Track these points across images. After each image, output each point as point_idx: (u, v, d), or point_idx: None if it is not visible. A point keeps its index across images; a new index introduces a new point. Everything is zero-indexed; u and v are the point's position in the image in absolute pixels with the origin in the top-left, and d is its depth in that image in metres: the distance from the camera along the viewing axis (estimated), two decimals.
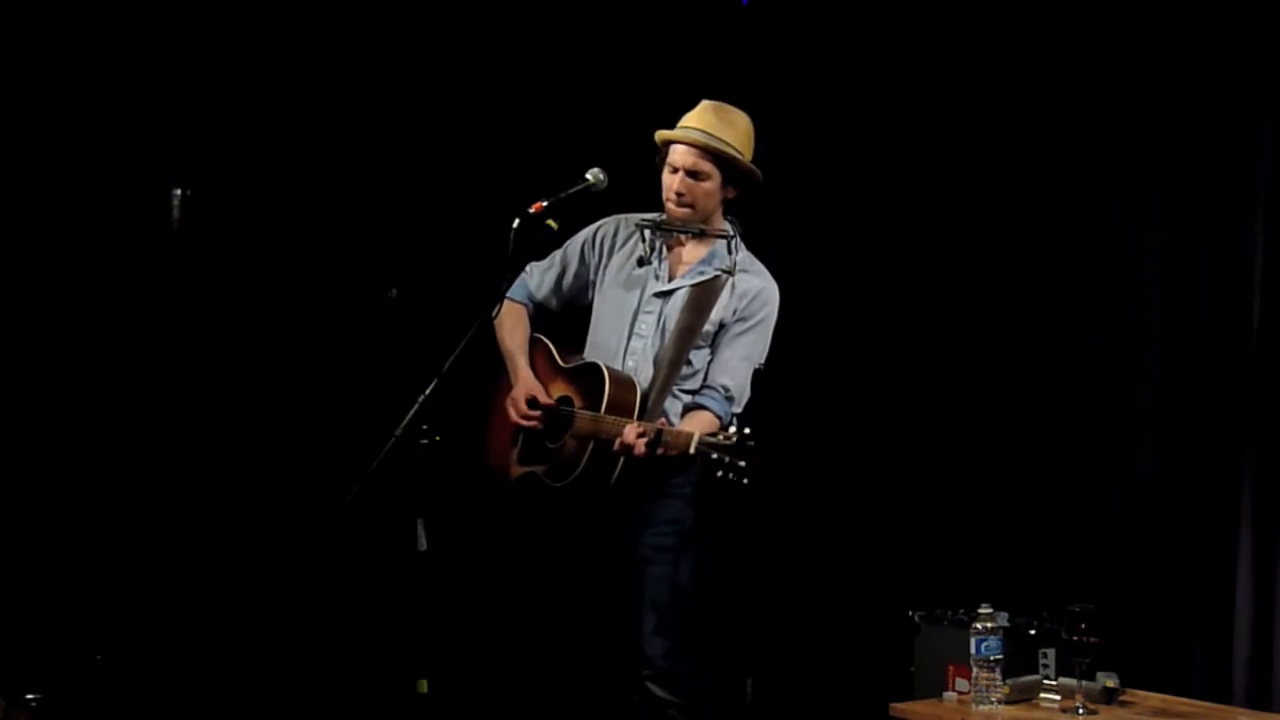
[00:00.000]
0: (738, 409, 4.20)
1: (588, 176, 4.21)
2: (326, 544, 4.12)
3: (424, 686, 3.92)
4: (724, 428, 4.01)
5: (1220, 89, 4.77)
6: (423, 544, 3.91)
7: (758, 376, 4.27)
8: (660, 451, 3.98)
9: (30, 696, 4.32)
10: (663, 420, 4.11)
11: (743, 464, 3.84)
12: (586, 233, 4.42)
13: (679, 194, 4.23)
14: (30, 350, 4.71)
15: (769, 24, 5.55)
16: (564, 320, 4.44)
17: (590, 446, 4.11)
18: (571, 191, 4.17)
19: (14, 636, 4.60)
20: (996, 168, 5.27)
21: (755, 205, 4.44)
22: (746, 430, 3.88)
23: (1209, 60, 4.79)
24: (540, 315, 4.47)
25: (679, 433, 3.99)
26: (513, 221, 4.04)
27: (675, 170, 4.23)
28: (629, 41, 5.28)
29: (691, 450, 3.92)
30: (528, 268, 4.43)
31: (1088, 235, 5.10)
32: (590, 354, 4.32)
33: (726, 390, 4.19)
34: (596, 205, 4.32)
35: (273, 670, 4.95)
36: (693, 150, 4.21)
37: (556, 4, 5.33)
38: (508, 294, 4.38)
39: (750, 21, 5.56)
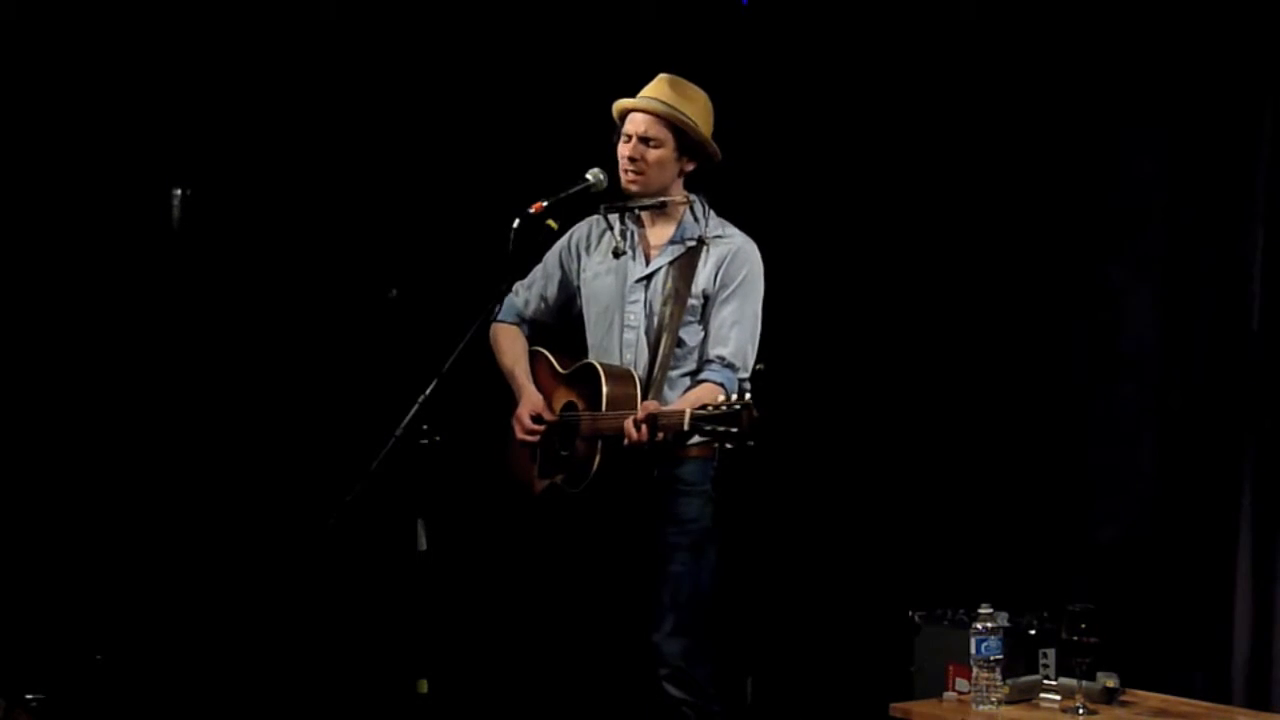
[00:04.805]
0: (745, 374, 4.17)
1: (588, 176, 4.22)
2: (326, 544, 4.12)
3: (424, 686, 3.92)
4: (727, 396, 4.01)
5: (1220, 88, 4.77)
6: (423, 544, 3.91)
7: (757, 376, 4.26)
8: (660, 436, 3.98)
9: (30, 696, 4.32)
10: (654, 403, 4.08)
11: (735, 430, 3.82)
12: (561, 241, 4.42)
13: (631, 159, 4.22)
14: (31, 350, 4.71)
15: (769, 24, 5.55)
16: (563, 329, 4.45)
17: (599, 446, 4.11)
18: (571, 191, 4.18)
19: (14, 636, 4.60)
20: (997, 169, 5.27)
21: (755, 202, 4.44)
22: (737, 396, 3.88)
23: (1209, 59, 4.78)
24: (539, 331, 4.48)
25: (672, 411, 3.99)
26: (513, 221, 4.05)
27: (629, 139, 4.24)
28: (629, 41, 5.28)
29: (685, 426, 3.91)
30: (514, 288, 4.44)
31: (1089, 237, 5.10)
32: (590, 356, 4.32)
33: (723, 359, 4.17)
34: (596, 205, 4.32)
35: (273, 670, 4.96)
36: (646, 117, 4.21)
37: (556, 4, 5.34)
38: (497, 318, 4.42)
39: (750, 21, 5.56)
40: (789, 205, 5.43)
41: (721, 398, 3.93)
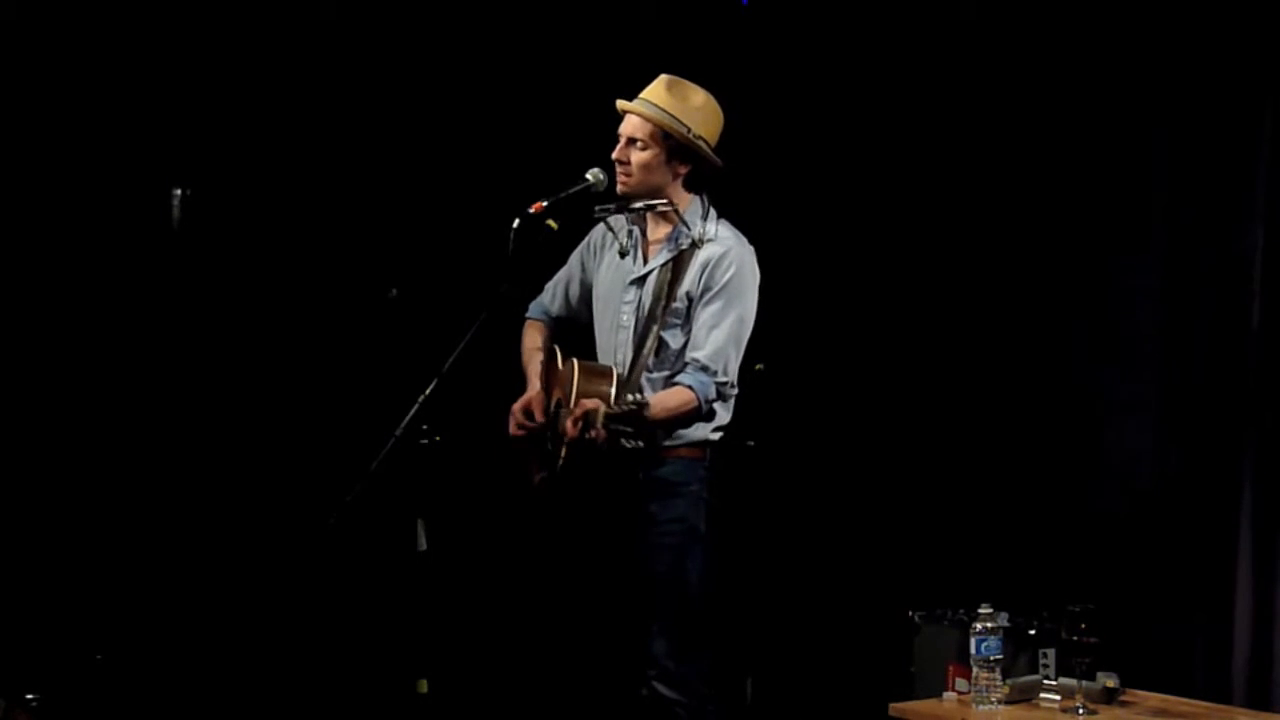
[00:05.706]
0: (723, 378, 4.16)
1: (588, 176, 4.22)
2: (327, 544, 4.12)
3: (424, 686, 3.92)
4: (701, 402, 4.09)
5: (1220, 88, 4.77)
6: (423, 544, 3.91)
7: (757, 376, 4.26)
8: (591, 434, 3.97)
9: (30, 696, 4.32)
10: (593, 401, 4.07)
11: (630, 429, 3.87)
12: (585, 241, 4.46)
13: (619, 161, 4.24)
14: (31, 350, 4.71)
15: (769, 24, 5.55)
16: (586, 327, 4.46)
17: (564, 442, 4.13)
18: (571, 191, 4.18)
19: (14, 636, 4.60)
20: (999, 168, 5.27)
21: (756, 201, 4.44)
22: (636, 397, 3.91)
23: (1209, 59, 4.78)
24: (565, 328, 4.50)
25: (592, 410, 3.97)
26: (513, 221, 4.05)
27: (620, 140, 4.26)
28: (630, 41, 5.28)
29: (598, 424, 3.93)
30: (545, 287, 4.50)
31: (1088, 236, 5.10)
32: (597, 354, 4.34)
33: (697, 363, 4.16)
34: (594, 206, 4.32)
35: (273, 670, 4.96)
36: (633, 118, 4.24)
37: (556, 4, 5.34)
38: (528, 314, 4.50)
39: (750, 21, 5.56)
40: (790, 204, 5.43)
41: (631, 398, 3.94)
